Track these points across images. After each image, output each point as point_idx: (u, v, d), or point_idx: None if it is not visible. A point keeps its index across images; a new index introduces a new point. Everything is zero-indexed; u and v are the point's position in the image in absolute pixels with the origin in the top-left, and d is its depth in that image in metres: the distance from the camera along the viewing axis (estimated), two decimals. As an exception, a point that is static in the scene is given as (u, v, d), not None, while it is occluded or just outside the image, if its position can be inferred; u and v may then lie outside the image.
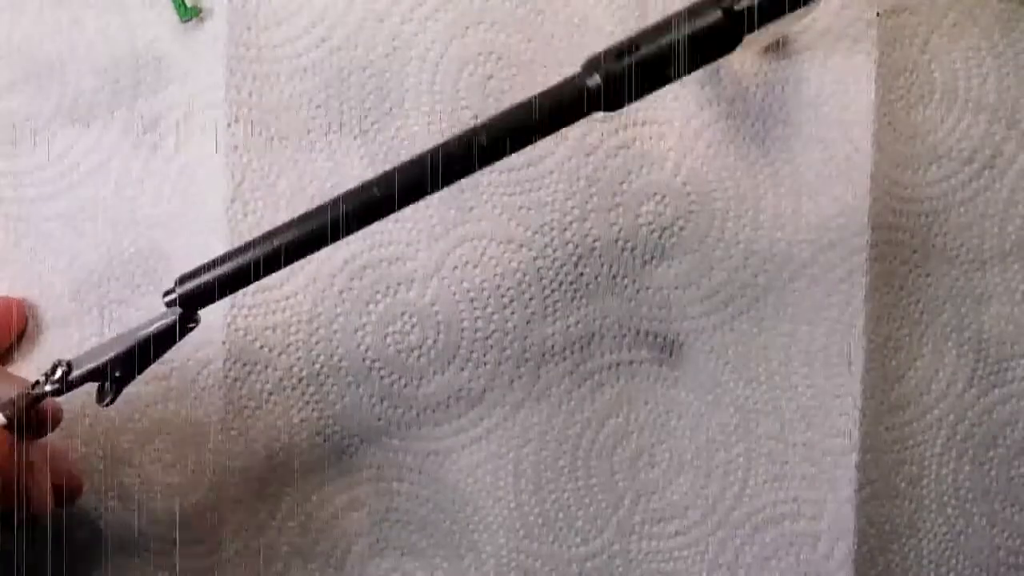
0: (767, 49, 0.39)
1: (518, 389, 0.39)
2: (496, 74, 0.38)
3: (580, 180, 0.39)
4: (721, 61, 0.38)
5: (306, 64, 0.38)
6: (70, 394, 0.39)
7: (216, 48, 0.38)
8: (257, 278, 0.29)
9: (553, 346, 0.39)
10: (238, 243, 0.37)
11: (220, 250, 0.38)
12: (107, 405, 0.31)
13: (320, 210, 0.29)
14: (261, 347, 0.38)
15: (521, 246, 0.39)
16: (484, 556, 0.39)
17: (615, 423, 0.40)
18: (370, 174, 0.38)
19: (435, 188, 0.28)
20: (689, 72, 0.27)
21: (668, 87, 0.38)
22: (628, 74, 0.26)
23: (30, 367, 0.39)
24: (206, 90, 0.38)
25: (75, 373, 0.31)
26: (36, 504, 0.32)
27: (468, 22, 0.38)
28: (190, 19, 0.38)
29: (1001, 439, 0.41)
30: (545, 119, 0.27)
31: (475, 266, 0.39)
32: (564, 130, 0.38)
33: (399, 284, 0.38)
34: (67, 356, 0.38)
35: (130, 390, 0.38)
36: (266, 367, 0.38)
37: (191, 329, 0.31)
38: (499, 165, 0.38)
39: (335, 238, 0.29)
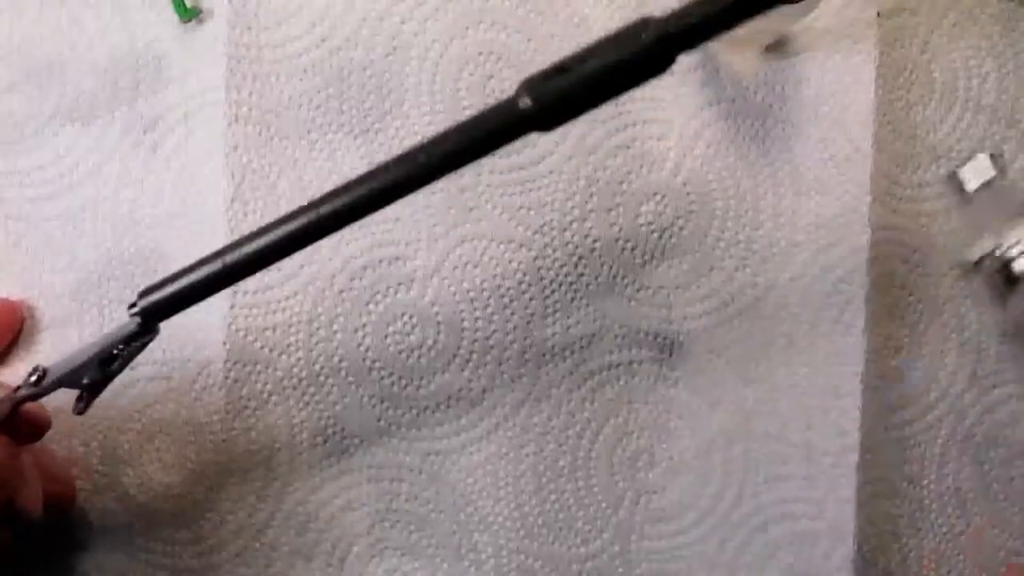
0: (767, 49, 0.39)
1: (518, 389, 0.39)
2: (496, 74, 0.38)
3: (580, 180, 0.39)
4: (721, 60, 0.39)
5: (306, 64, 0.38)
6: (69, 396, 0.39)
7: (216, 48, 0.38)
8: (214, 291, 0.30)
9: (553, 346, 0.39)
10: (238, 243, 0.38)
11: None
12: (80, 413, 0.32)
13: (268, 227, 0.29)
14: (261, 347, 0.38)
15: (521, 246, 0.39)
16: (484, 556, 0.39)
17: (615, 423, 0.40)
18: None
19: (374, 208, 0.28)
20: (620, 94, 0.27)
21: (667, 86, 0.39)
22: (560, 96, 0.26)
23: (29, 367, 0.38)
24: (206, 90, 0.39)
25: (48, 379, 0.31)
26: (29, 507, 0.32)
27: (468, 22, 0.38)
28: (190, 19, 0.38)
29: (1001, 439, 0.41)
30: (482, 139, 0.27)
31: (475, 266, 0.39)
32: (564, 130, 0.38)
33: (399, 284, 0.38)
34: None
35: (131, 390, 0.39)
36: (266, 367, 0.38)
37: (149, 341, 0.31)
38: (499, 165, 0.38)
39: (283, 255, 0.29)
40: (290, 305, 0.38)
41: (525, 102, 0.26)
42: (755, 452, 0.40)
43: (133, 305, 0.30)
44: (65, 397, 0.38)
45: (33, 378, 0.31)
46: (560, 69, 0.26)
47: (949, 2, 0.40)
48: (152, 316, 0.30)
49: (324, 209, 0.28)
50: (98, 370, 0.31)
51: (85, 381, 0.31)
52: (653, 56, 0.26)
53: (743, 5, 0.26)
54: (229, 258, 0.29)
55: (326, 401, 0.39)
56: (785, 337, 0.39)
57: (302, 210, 0.28)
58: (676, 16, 0.25)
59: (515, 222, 0.39)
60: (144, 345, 0.31)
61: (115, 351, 0.31)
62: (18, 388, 0.31)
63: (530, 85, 0.26)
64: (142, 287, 0.38)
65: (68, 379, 0.31)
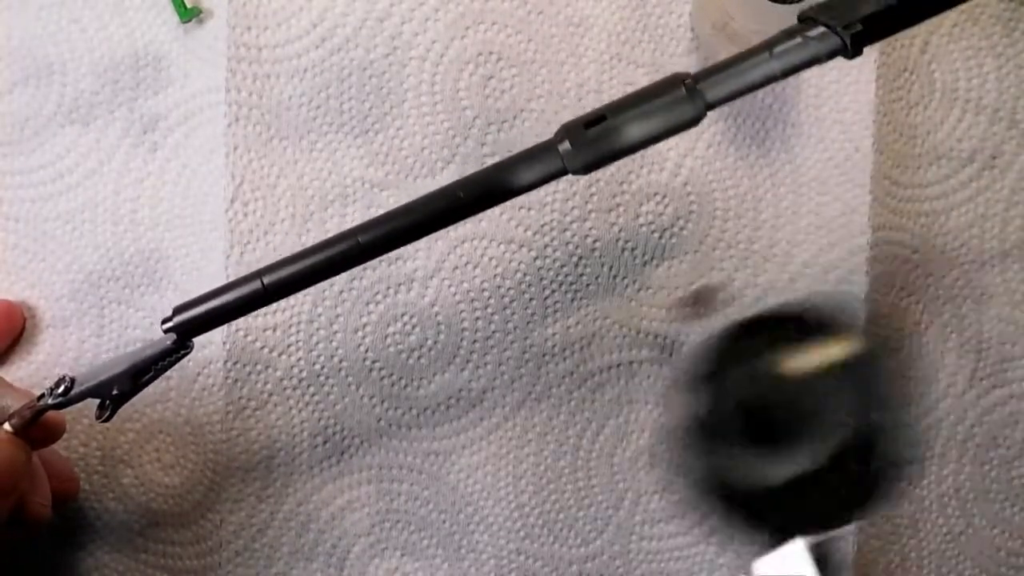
0: None
1: (518, 389, 0.39)
2: (496, 74, 0.39)
3: (580, 180, 0.39)
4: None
5: (306, 64, 0.38)
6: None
7: (216, 49, 0.38)
8: (249, 311, 0.31)
9: (553, 346, 0.39)
10: (237, 244, 0.38)
11: (220, 250, 0.38)
12: (105, 421, 0.32)
13: (308, 252, 0.30)
14: (262, 348, 0.38)
15: (521, 246, 0.39)
16: (484, 557, 0.40)
17: (615, 423, 0.40)
18: (370, 174, 0.39)
19: (413, 238, 0.29)
20: (652, 145, 0.28)
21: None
22: (596, 143, 0.28)
23: (29, 368, 0.39)
24: (206, 91, 0.39)
25: (76, 389, 0.31)
26: (40, 509, 0.33)
27: (468, 22, 0.38)
28: (190, 20, 0.38)
29: (1001, 439, 0.41)
30: (520, 180, 0.29)
31: (475, 266, 0.39)
32: (564, 130, 0.39)
33: (399, 285, 0.39)
34: (66, 356, 0.39)
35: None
36: (266, 368, 0.38)
37: (184, 356, 0.32)
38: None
39: (321, 279, 0.30)
40: (290, 305, 0.38)
41: (564, 147, 0.28)
42: None
43: (167, 320, 0.31)
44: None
45: (60, 388, 0.31)
46: (598, 118, 0.28)
47: None
48: (187, 333, 0.31)
49: (362, 238, 0.29)
50: (129, 381, 0.31)
51: (114, 392, 0.31)
52: (688, 108, 0.27)
53: (767, 70, 0.27)
54: (267, 279, 0.30)
55: (326, 401, 0.39)
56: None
57: (340, 237, 0.30)
58: (707, 74, 0.27)
59: (515, 222, 0.39)
60: (178, 359, 0.31)
61: (145, 365, 0.31)
62: (41, 396, 0.31)
63: (569, 131, 0.28)
64: (141, 288, 0.39)
65: (97, 390, 0.31)
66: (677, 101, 0.27)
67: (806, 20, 0.27)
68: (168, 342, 0.31)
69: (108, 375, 0.31)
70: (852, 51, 0.27)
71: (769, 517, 0.23)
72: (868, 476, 0.22)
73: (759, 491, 0.23)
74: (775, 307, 0.24)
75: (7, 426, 0.32)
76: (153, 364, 0.31)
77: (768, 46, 0.27)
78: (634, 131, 0.28)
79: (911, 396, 0.28)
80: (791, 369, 0.23)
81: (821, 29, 0.27)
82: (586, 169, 0.28)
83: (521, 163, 0.29)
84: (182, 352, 0.31)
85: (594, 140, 0.28)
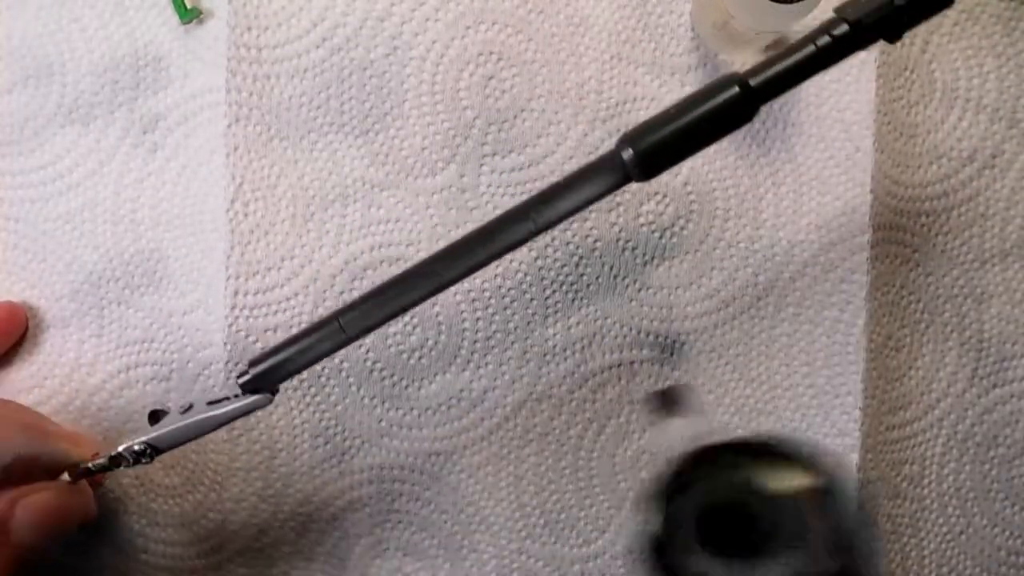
0: (767, 49, 0.39)
1: (519, 390, 0.40)
2: (496, 74, 0.39)
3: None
4: (721, 60, 0.39)
5: (307, 65, 0.39)
6: (70, 401, 0.40)
7: (216, 49, 0.39)
8: (327, 355, 0.32)
9: (554, 346, 0.40)
10: (238, 244, 0.38)
11: (221, 251, 0.39)
12: (147, 463, 0.33)
13: (387, 287, 0.31)
14: (262, 348, 0.38)
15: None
16: (486, 557, 0.40)
17: (616, 423, 0.40)
18: (371, 174, 0.39)
19: (486, 264, 0.31)
20: (711, 144, 0.29)
21: (668, 86, 0.40)
22: (658, 148, 0.29)
23: (30, 368, 0.40)
24: (206, 91, 0.39)
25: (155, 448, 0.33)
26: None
27: (468, 22, 0.39)
28: (191, 21, 0.39)
29: (1001, 439, 0.41)
30: (587, 193, 0.30)
31: None
32: (565, 130, 0.39)
33: (400, 285, 0.39)
34: (66, 357, 0.39)
35: (129, 391, 0.39)
36: None
37: (263, 405, 0.33)
38: (500, 165, 0.39)
39: (399, 314, 0.32)
40: (291, 306, 0.39)
41: (628, 154, 0.29)
42: None
43: (243, 374, 0.32)
44: (66, 397, 0.39)
45: (143, 458, 0.33)
46: (656, 124, 0.29)
47: None
48: (263, 385, 0.32)
49: (442, 269, 0.31)
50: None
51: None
52: (740, 109, 0.29)
53: (816, 60, 0.29)
54: (344, 319, 0.31)
55: (327, 402, 0.39)
56: (786, 337, 0.40)
57: (419, 270, 0.31)
58: (758, 71, 0.29)
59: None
60: (254, 409, 0.33)
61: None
62: (119, 457, 0.33)
63: (630, 139, 0.29)
64: (141, 288, 0.39)
65: (175, 445, 0.33)
66: (732, 101, 0.29)
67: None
68: (261, 400, 0.32)
69: (190, 434, 0.33)
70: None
71: None
72: None
73: None
74: (737, 437, 0.26)
75: (65, 476, 0.34)
76: (235, 418, 0.33)
77: (811, 39, 0.29)
78: (692, 134, 0.29)
79: (874, 535, 0.29)
80: (753, 494, 0.25)
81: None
82: (649, 175, 0.29)
83: (584, 177, 0.30)
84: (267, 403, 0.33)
85: (656, 146, 0.29)
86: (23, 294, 0.40)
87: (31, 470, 0.32)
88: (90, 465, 0.33)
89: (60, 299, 0.40)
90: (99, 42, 0.40)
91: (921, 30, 0.40)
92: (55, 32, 0.40)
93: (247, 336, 0.39)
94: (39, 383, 0.40)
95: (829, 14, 0.39)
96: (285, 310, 0.39)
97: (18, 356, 0.40)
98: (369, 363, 0.39)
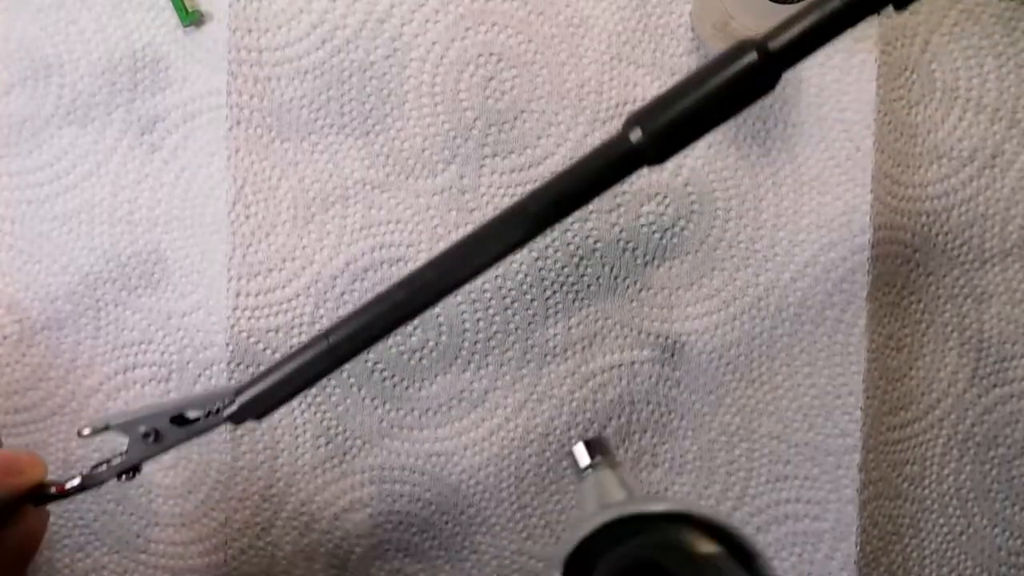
0: None
1: (520, 390, 0.40)
2: (496, 75, 0.40)
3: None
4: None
5: (307, 66, 0.40)
6: (65, 403, 0.40)
7: (216, 51, 0.40)
8: (317, 380, 0.31)
9: (555, 347, 0.40)
10: (240, 246, 0.39)
11: (222, 252, 0.39)
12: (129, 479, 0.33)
13: (378, 300, 0.30)
14: (264, 349, 0.40)
15: None
16: (487, 558, 0.41)
17: (617, 424, 0.41)
18: (371, 175, 0.40)
19: (490, 266, 0.30)
20: (729, 118, 0.27)
21: (667, 87, 0.40)
22: (671, 126, 0.27)
23: (24, 370, 0.40)
24: (206, 93, 0.40)
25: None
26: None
27: (468, 24, 0.40)
28: (191, 24, 0.40)
29: (1002, 439, 0.42)
30: (595, 179, 0.28)
31: None
32: (565, 131, 0.40)
33: (400, 286, 0.40)
34: (61, 358, 0.40)
35: (127, 392, 0.40)
36: None
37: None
38: (500, 166, 0.40)
39: (391, 330, 0.30)
40: (292, 307, 0.40)
41: (636, 135, 0.27)
42: (757, 452, 0.41)
43: (231, 403, 0.31)
44: (62, 399, 0.40)
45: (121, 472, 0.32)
46: (665, 100, 0.27)
47: (949, 2, 0.41)
48: (249, 416, 0.31)
49: (435, 272, 0.29)
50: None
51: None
52: (759, 77, 0.26)
53: (840, 17, 0.26)
54: (334, 338, 0.30)
55: (328, 403, 0.40)
56: (787, 337, 0.41)
57: (410, 278, 0.29)
58: (776, 35, 0.26)
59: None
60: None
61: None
62: (98, 467, 0.32)
63: (638, 119, 0.27)
64: (139, 289, 0.40)
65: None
66: (752, 68, 0.26)
67: None
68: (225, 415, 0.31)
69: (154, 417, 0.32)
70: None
71: None
72: None
73: None
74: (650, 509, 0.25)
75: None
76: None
77: None
78: (708, 109, 0.26)
79: None
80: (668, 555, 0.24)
81: None
82: (663, 157, 0.27)
83: (592, 163, 0.28)
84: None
85: (669, 125, 0.26)
86: (18, 295, 0.40)
87: None
88: (67, 486, 0.32)
89: (55, 300, 0.40)
90: (97, 44, 0.40)
91: (921, 30, 0.41)
92: (53, 33, 0.40)
93: (249, 337, 0.39)
94: (34, 385, 0.40)
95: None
96: (287, 311, 0.40)
97: (12, 357, 0.40)
98: (370, 364, 0.40)
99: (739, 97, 0.26)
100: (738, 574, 0.23)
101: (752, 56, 0.26)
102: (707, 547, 0.23)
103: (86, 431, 0.31)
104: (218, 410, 0.31)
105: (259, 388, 0.31)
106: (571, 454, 0.31)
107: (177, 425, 0.32)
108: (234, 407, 0.31)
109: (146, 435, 0.32)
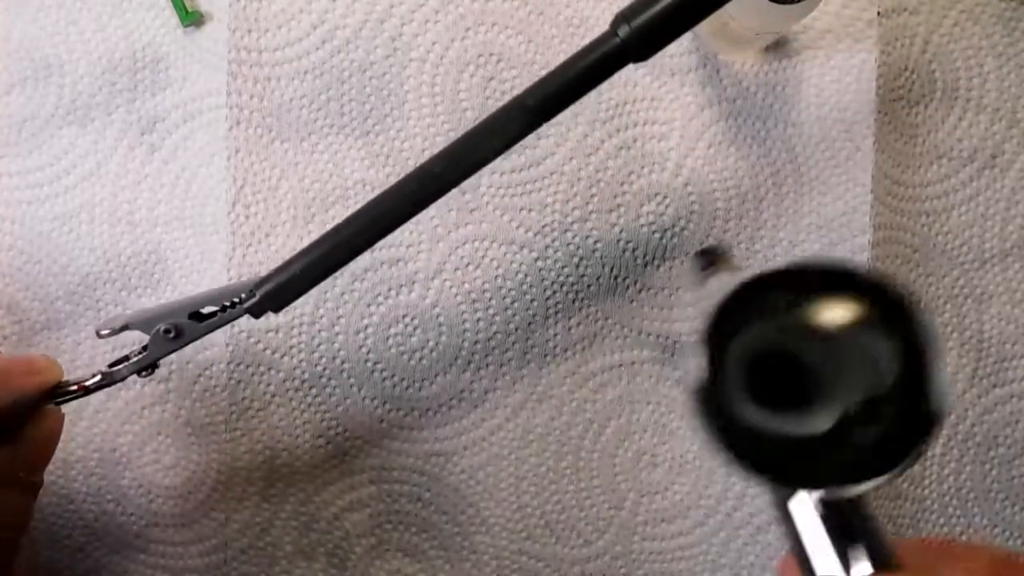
0: (767, 49, 0.40)
1: (520, 390, 0.41)
2: (496, 75, 0.40)
3: (581, 181, 0.40)
4: (721, 61, 0.40)
5: (307, 66, 0.40)
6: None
7: (216, 52, 0.40)
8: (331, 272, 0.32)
9: (555, 347, 0.41)
10: (240, 246, 0.40)
11: (222, 252, 0.40)
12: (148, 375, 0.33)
13: (387, 194, 0.31)
14: (264, 349, 0.40)
15: (522, 247, 0.40)
16: (486, 558, 0.41)
17: (617, 424, 0.41)
18: (371, 175, 0.40)
19: (490, 158, 0.31)
20: (707, 15, 0.29)
21: (668, 87, 0.41)
22: (657, 20, 0.28)
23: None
24: (206, 94, 0.40)
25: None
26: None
27: (468, 24, 0.40)
28: (191, 24, 0.40)
29: (1001, 439, 0.42)
30: (583, 75, 0.30)
31: (476, 267, 0.40)
32: (565, 131, 0.40)
33: (400, 286, 0.40)
34: (60, 359, 0.40)
35: (126, 392, 0.41)
36: (269, 369, 0.40)
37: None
38: (499, 166, 0.40)
39: (405, 220, 0.31)
40: (292, 307, 0.39)
41: (624, 30, 0.29)
42: None
43: (250, 297, 0.32)
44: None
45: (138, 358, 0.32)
46: None
47: (949, 2, 0.42)
48: (272, 308, 0.32)
49: (439, 165, 0.30)
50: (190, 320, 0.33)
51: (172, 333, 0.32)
52: None
53: None
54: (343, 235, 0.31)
55: (328, 403, 0.40)
56: None
57: (417, 173, 0.31)
58: None
59: (516, 223, 0.40)
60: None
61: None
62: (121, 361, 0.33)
63: (626, 16, 0.29)
64: (139, 290, 0.40)
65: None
66: None
67: None
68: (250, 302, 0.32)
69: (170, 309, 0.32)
70: None
71: (792, 471, 0.23)
72: (897, 429, 0.22)
73: (785, 442, 0.23)
74: (784, 266, 0.24)
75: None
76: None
77: None
78: (688, 5, 0.28)
79: (940, 350, 0.28)
80: (815, 323, 0.23)
81: None
82: (645, 54, 0.29)
83: (580, 60, 0.29)
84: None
85: (652, 20, 0.28)
86: (17, 295, 0.41)
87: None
88: (87, 383, 0.32)
89: (55, 300, 0.41)
90: (97, 44, 0.41)
91: (921, 30, 0.42)
92: (53, 34, 0.41)
93: (249, 337, 0.40)
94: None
95: (830, 16, 0.40)
96: (286, 312, 0.39)
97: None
98: (370, 364, 0.40)
99: None
100: (878, 338, 0.22)
101: None
102: (836, 312, 0.22)
103: (105, 331, 0.32)
104: (234, 304, 0.32)
105: (279, 279, 0.32)
106: (691, 260, 0.33)
107: (196, 320, 0.32)
108: (255, 299, 0.32)
109: (166, 331, 0.32)
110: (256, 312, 0.32)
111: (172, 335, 0.32)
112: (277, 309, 0.32)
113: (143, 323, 0.32)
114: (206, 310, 0.33)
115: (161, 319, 0.32)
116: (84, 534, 0.41)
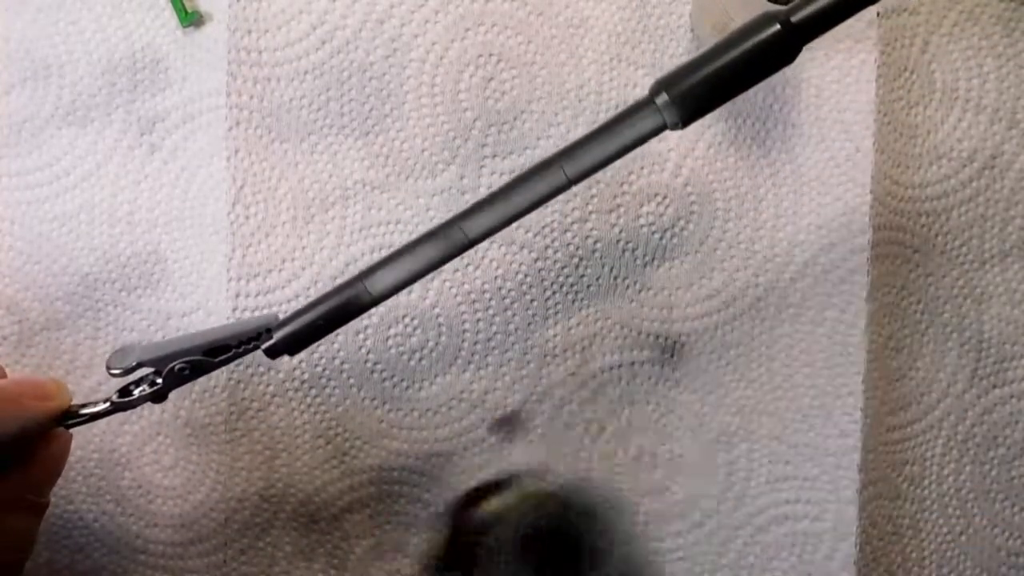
0: None
1: (519, 391, 0.41)
2: (496, 76, 0.41)
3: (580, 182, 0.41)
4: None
5: (307, 67, 0.40)
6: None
7: (216, 52, 0.40)
8: (349, 319, 0.33)
9: (554, 347, 0.41)
10: (239, 246, 0.40)
11: (222, 253, 0.40)
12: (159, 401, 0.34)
13: (408, 248, 0.32)
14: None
15: (522, 247, 0.41)
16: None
17: (617, 424, 0.41)
18: (371, 176, 0.41)
19: (519, 216, 0.32)
20: (750, 86, 0.29)
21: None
22: (696, 92, 0.29)
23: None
24: (206, 94, 0.41)
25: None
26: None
27: (468, 24, 0.40)
28: (191, 24, 0.41)
29: (1001, 439, 0.43)
30: (621, 143, 0.30)
31: (476, 268, 0.41)
32: (565, 131, 0.41)
33: (400, 286, 0.41)
34: (60, 359, 0.40)
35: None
36: (269, 369, 0.40)
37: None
38: (499, 166, 0.41)
39: (423, 275, 0.32)
40: (292, 307, 0.39)
41: (663, 99, 0.29)
42: (757, 453, 0.41)
43: (266, 339, 0.33)
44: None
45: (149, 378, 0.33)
46: (692, 67, 0.29)
47: (949, 2, 0.42)
48: (282, 351, 0.33)
49: (465, 227, 0.31)
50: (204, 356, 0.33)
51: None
52: (780, 49, 0.28)
53: None
54: (368, 281, 0.32)
55: (328, 403, 0.41)
56: (786, 337, 0.41)
57: (443, 228, 0.31)
58: (800, 7, 0.28)
59: (516, 224, 0.40)
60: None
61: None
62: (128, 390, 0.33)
63: (666, 85, 0.29)
64: (138, 290, 0.40)
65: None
66: (773, 40, 0.28)
67: None
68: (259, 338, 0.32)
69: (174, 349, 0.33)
70: None
71: None
72: None
73: None
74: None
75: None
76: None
77: None
78: (730, 77, 0.28)
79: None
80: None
81: None
82: (687, 121, 0.29)
83: (617, 126, 0.30)
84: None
85: (692, 90, 0.29)
86: (17, 296, 0.41)
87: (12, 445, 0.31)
88: (97, 410, 0.33)
89: (55, 301, 0.41)
90: (97, 44, 0.41)
91: (921, 30, 0.42)
92: (53, 34, 0.41)
93: (248, 338, 0.40)
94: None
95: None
96: (287, 311, 0.40)
97: (11, 358, 0.41)
98: (370, 364, 0.41)
99: (759, 69, 0.29)
100: None
101: (774, 28, 0.28)
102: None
103: (116, 370, 0.32)
104: (251, 340, 0.33)
105: (296, 325, 0.32)
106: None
107: (211, 357, 0.33)
108: (272, 341, 0.32)
109: (181, 370, 0.33)
110: (272, 354, 0.33)
111: (187, 372, 0.33)
112: (293, 353, 0.33)
113: (156, 360, 0.32)
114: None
115: (174, 356, 0.32)
116: (84, 534, 0.41)
